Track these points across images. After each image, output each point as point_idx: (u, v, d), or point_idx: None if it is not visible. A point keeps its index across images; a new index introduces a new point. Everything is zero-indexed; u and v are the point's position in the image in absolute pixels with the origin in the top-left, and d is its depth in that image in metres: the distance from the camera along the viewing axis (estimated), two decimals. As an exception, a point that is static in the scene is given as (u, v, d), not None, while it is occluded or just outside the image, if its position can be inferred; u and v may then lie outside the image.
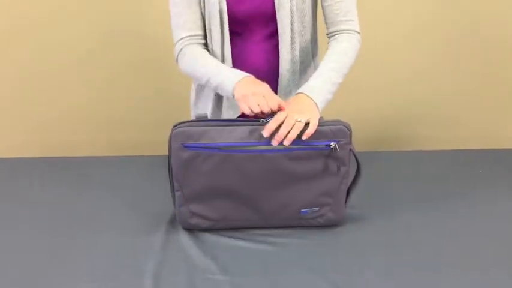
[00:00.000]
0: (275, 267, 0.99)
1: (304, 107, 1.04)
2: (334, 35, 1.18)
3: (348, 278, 0.96)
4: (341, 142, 1.02)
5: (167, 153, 1.05)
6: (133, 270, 0.99)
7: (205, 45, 1.22)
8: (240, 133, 1.01)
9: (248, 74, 1.09)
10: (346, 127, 1.03)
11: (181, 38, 1.18)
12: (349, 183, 1.10)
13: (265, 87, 1.06)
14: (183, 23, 1.17)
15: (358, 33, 1.19)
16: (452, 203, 1.23)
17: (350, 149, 1.04)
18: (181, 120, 1.04)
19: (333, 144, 1.02)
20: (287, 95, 1.22)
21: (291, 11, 1.14)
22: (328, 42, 1.20)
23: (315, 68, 1.28)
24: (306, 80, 1.24)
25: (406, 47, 2.00)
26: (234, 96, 1.07)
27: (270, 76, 1.22)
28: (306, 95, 1.06)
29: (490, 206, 1.22)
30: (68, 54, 1.96)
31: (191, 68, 1.17)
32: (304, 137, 0.99)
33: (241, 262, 1.01)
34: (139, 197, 1.26)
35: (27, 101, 2.03)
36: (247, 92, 1.03)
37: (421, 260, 1.01)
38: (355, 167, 1.08)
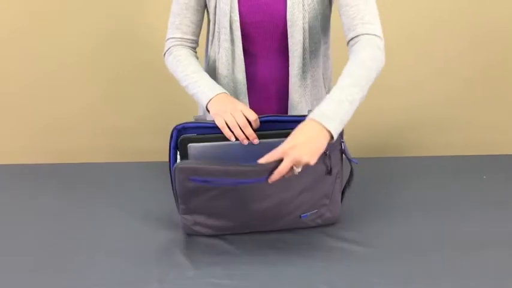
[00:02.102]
0: (280, 272, 1.00)
1: (309, 140, 0.92)
2: (353, 44, 1.06)
3: (351, 282, 0.97)
4: (332, 145, 0.99)
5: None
6: (139, 275, 1.00)
7: (195, 49, 1.23)
8: (244, 173, 0.97)
9: (223, 90, 1.09)
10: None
11: (173, 37, 1.20)
12: (344, 182, 1.12)
13: (242, 104, 1.06)
14: (178, 24, 1.19)
15: (379, 37, 1.06)
16: (455, 209, 1.23)
17: (340, 150, 1.05)
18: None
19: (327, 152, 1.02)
20: (298, 111, 1.21)
21: (303, 28, 1.13)
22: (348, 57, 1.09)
23: (325, 85, 1.28)
24: (316, 95, 1.24)
25: (410, 54, 2.00)
26: (208, 111, 1.08)
27: (280, 91, 1.23)
28: (317, 122, 0.93)
29: (493, 211, 1.22)
30: (72, 61, 1.98)
31: (173, 69, 1.18)
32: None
33: (246, 266, 1.02)
34: (145, 202, 1.27)
35: (30, 108, 2.05)
36: (226, 109, 1.04)
37: (420, 263, 1.03)
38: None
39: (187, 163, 0.98)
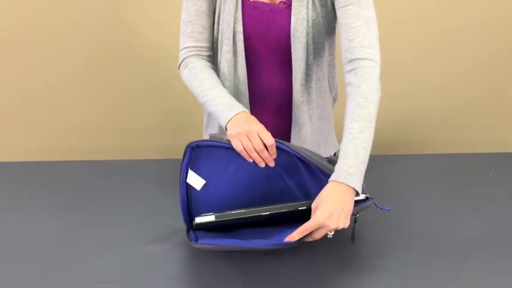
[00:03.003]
0: (286, 270, 1.01)
1: (341, 205, 0.93)
2: (350, 69, 1.04)
3: (358, 284, 0.98)
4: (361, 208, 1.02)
5: (181, 157, 1.06)
6: (146, 272, 1.01)
7: (210, 56, 1.19)
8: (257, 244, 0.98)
9: (242, 109, 1.06)
10: (371, 199, 1.02)
11: (186, 47, 1.16)
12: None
13: (259, 125, 1.03)
14: (190, 32, 1.15)
15: (377, 63, 1.03)
16: (461, 207, 1.23)
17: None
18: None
19: (357, 215, 1.03)
20: (301, 127, 1.20)
21: (306, 44, 1.10)
22: (345, 82, 1.06)
23: (332, 93, 1.27)
24: (323, 106, 1.22)
25: (421, 55, 2.01)
26: (226, 130, 1.05)
27: (283, 105, 1.21)
28: (341, 182, 0.95)
29: (499, 209, 1.21)
30: (79, 63, 1.99)
31: (189, 83, 1.15)
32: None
33: (253, 263, 1.02)
34: (152, 199, 1.26)
35: (39, 110, 2.07)
36: (241, 131, 1.01)
37: (425, 262, 1.03)
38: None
39: (207, 247, 0.99)
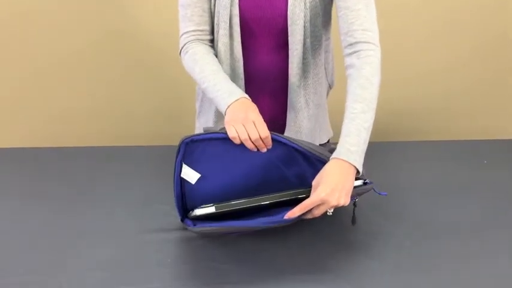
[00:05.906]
0: (280, 259, 1.01)
1: (342, 182, 0.93)
2: (351, 52, 1.04)
3: (354, 269, 0.99)
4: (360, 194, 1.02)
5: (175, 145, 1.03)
6: (141, 260, 1.01)
7: (212, 41, 1.18)
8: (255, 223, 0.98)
9: (243, 95, 1.05)
10: (370, 183, 1.01)
11: (187, 32, 1.14)
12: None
13: (256, 114, 1.01)
14: (190, 16, 1.13)
15: (377, 46, 1.04)
16: (458, 193, 1.24)
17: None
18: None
19: (356, 199, 1.03)
20: (297, 111, 1.19)
21: (304, 27, 1.09)
22: (345, 64, 1.06)
23: (327, 79, 1.26)
24: (320, 92, 1.21)
25: (419, 43, 2.01)
26: (225, 115, 1.04)
27: (279, 89, 1.20)
28: (343, 160, 0.95)
29: (494, 197, 1.22)
30: (80, 51, 1.98)
31: (190, 69, 1.13)
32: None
33: (246, 252, 1.03)
34: (147, 187, 1.26)
35: (36, 97, 2.06)
36: (238, 118, 1.00)
37: (421, 248, 1.04)
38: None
39: (207, 230, 0.98)
